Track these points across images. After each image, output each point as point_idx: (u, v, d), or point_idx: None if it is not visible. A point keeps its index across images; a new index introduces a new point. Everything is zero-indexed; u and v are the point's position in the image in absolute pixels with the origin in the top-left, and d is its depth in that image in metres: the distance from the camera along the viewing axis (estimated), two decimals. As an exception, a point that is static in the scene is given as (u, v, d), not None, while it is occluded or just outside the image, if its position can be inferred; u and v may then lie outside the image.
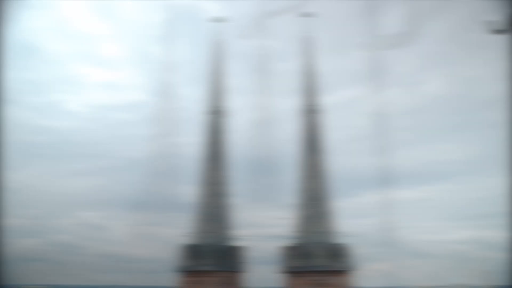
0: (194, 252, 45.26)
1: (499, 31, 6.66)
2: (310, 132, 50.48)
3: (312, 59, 53.48)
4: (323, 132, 51.33)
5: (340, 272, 42.99)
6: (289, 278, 44.61)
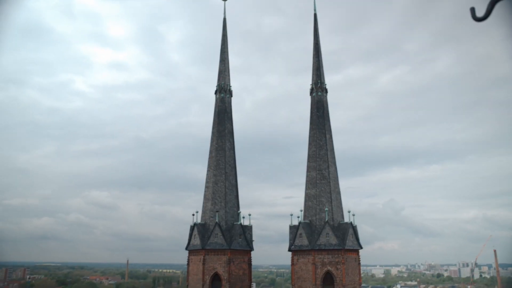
0: (202, 230, 45.82)
1: (479, 18, 6.50)
2: (317, 111, 50.15)
3: (319, 37, 52.82)
4: (331, 111, 51.06)
5: (347, 251, 43.29)
6: (296, 257, 45.09)
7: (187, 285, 45.99)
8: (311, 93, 51.31)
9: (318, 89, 50.70)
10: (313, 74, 51.67)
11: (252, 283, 53.05)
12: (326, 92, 51.18)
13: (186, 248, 46.74)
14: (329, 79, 52.08)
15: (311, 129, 49.88)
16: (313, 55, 52.39)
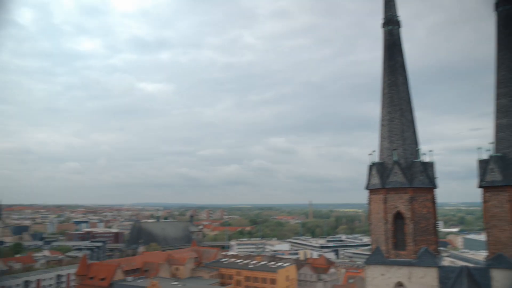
0: (381, 169, 45.14)
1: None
2: (505, 29, 43.45)
3: None
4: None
5: (552, 185, 37.86)
6: (488, 194, 41.28)
7: (370, 224, 46.39)
8: (496, 8, 44.53)
9: (505, 2, 43.69)
10: (497, -14, 44.59)
11: (439, 222, 50.79)
12: (516, 4, 43.81)
13: (366, 188, 46.79)
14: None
15: (499, 50, 43.70)
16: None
